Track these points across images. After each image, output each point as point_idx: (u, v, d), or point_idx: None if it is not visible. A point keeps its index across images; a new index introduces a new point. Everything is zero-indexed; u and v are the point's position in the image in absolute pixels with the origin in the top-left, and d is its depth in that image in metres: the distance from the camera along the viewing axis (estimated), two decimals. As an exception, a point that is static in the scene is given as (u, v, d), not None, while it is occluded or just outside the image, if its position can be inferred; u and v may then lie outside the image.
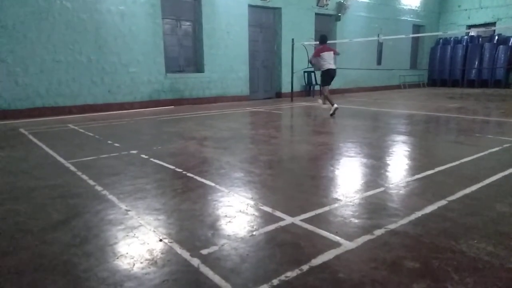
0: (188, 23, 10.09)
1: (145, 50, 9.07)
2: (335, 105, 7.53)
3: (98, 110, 8.53)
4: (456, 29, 16.39)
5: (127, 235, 2.27)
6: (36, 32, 7.57)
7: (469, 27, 16.26)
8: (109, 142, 5.13)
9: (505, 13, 15.10)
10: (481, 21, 15.80)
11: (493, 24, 15.39)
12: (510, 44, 14.72)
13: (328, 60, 7.72)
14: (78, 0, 7.96)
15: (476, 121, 6.90)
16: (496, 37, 15.15)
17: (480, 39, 15.71)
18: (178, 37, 9.97)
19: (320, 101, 8.40)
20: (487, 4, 15.63)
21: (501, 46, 14.83)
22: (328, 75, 7.84)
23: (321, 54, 7.71)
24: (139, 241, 2.19)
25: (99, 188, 3.16)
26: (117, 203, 2.81)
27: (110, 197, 2.94)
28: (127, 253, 2.05)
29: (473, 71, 15.78)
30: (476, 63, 15.53)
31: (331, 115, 7.50)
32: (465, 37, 16.17)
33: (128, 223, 2.45)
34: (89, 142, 5.21)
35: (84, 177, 3.49)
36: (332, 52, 7.82)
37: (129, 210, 2.66)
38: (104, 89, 8.62)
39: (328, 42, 11.52)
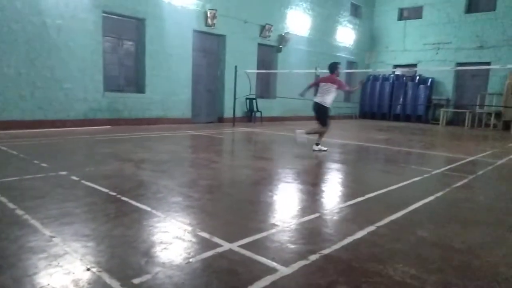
0: (130, 43, 9.88)
1: (82, 66, 8.65)
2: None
3: (26, 127, 7.85)
4: (384, 67, 17.98)
5: (50, 264, 2.08)
6: (-44, 38, 6.89)
7: (395, 66, 17.95)
8: (35, 161, 4.73)
9: (424, 56, 16.97)
10: (405, 62, 17.55)
11: (415, 65, 17.19)
12: (428, 84, 16.50)
13: (319, 91, 6.82)
14: (9, 9, 7.44)
15: (401, 152, 7.52)
16: (418, 77, 16.90)
17: (404, 78, 17.39)
18: (119, 56, 9.69)
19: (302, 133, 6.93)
20: (410, 47, 17.46)
21: (421, 85, 16.57)
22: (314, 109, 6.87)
23: (320, 83, 6.86)
24: (64, 270, 2.02)
25: (20, 212, 2.88)
26: (41, 228, 2.58)
27: (33, 222, 2.69)
28: (48, 285, 1.88)
29: (398, 107, 17.33)
30: (401, 99, 17.12)
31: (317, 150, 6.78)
32: (392, 75, 17.79)
33: (52, 250, 2.25)
34: (12, 161, 4.76)
35: (3, 199, 3.16)
36: (328, 83, 6.66)
37: (53, 237, 2.45)
38: (34, 105, 8.00)
39: (269, 71, 11.39)
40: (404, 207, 3.47)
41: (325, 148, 6.92)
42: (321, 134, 6.94)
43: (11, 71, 7.60)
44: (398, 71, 17.73)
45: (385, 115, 17.75)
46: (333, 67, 6.88)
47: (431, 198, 3.86)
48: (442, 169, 5.59)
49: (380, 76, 18.04)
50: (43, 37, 7.97)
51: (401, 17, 18.02)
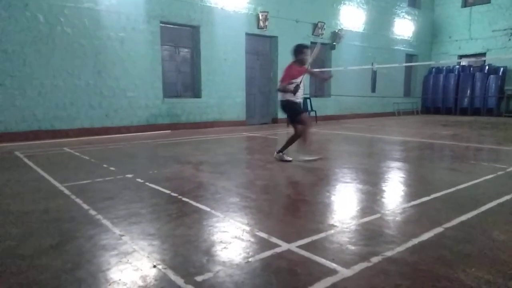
0: (186, 50, 10.29)
1: (143, 75, 9.19)
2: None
3: (95, 133, 8.53)
4: (448, 58, 16.83)
5: (120, 261, 2.22)
6: (35, 56, 7.66)
7: (460, 57, 16.72)
8: (104, 165, 5.10)
9: (494, 44, 15.60)
10: (472, 52, 16.28)
11: (483, 54, 15.85)
12: (500, 74, 15.11)
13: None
14: (78, 26, 8.13)
15: (470, 148, 6.97)
16: (487, 67, 15.57)
17: (471, 69, 16.12)
18: (176, 63, 10.14)
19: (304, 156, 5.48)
20: (477, 35, 16.16)
21: (491, 75, 15.22)
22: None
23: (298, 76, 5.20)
24: (133, 267, 2.15)
25: (93, 212, 3.13)
26: (111, 227, 2.77)
27: (104, 221, 2.90)
28: (119, 280, 2.01)
29: (466, 99, 16.09)
30: (468, 91, 15.87)
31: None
32: (457, 66, 16.58)
33: (122, 248, 2.40)
34: (84, 166, 5.18)
35: (78, 201, 3.45)
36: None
37: (123, 235, 2.62)
38: (102, 113, 8.65)
39: (324, 69, 11.02)
40: (475, 207, 3.21)
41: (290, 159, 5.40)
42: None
43: (81, 83, 8.30)
44: (464, 62, 16.49)
45: (450, 110, 16.58)
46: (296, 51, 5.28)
47: (507, 197, 3.53)
48: (519, 165, 5.09)
49: (444, 68, 16.92)
50: (108, 50, 8.59)
51: (465, 4, 16.75)
